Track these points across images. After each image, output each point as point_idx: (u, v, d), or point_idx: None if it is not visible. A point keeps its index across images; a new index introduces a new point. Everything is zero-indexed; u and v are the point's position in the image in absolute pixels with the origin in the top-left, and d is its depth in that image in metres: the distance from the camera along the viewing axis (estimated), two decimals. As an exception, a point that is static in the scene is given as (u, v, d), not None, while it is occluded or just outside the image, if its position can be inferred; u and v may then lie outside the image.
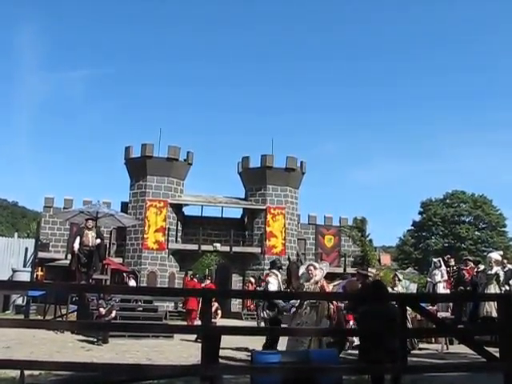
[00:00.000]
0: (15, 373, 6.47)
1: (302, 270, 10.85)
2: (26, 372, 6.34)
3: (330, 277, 25.52)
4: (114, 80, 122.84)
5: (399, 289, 13.20)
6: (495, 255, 13.67)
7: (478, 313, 12.56)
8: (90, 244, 15.28)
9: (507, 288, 12.79)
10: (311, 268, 10.30)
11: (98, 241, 15.50)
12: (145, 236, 30.33)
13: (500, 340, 5.87)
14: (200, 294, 9.21)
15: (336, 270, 31.76)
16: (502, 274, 12.84)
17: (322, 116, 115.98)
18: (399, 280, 13.77)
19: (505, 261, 13.53)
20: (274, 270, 11.34)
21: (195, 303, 17.50)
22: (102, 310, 13.14)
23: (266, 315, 10.81)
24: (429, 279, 16.15)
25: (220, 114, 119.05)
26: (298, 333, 8.97)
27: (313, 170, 76.39)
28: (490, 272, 12.91)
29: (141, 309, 15.90)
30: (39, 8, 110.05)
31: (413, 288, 32.42)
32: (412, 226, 56.32)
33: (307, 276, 10.19)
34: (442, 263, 15.68)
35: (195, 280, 21.28)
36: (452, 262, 15.73)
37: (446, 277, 15.29)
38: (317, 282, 10.21)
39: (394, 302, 7.01)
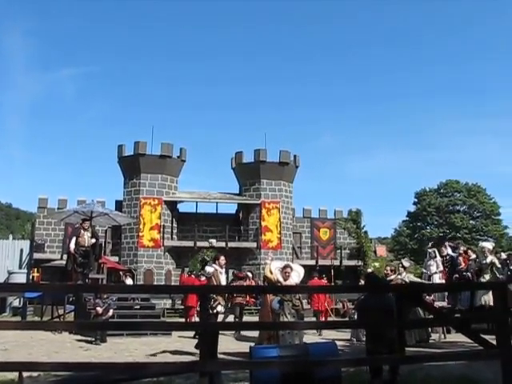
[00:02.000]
0: (14, 375, 6.46)
1: (273, 265, 10.51)
2: (25, 373, 6.34)
3: (326, 270, 25.59)
4: (104, 78, 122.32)
5: (404, 276, 12.63)
6: (488, 244, 13.69)
7: (473, 302, 12.59)
8: (86, 244, 15.31)
9: (502, 277, 12.86)
10: (288, 270, 10.08)
11: (93, 240, 15.53)
12: (140, 234, 30.29)
13: (496, 328, 5.90)
14: (198, 291, 9.19)
15: (333, 262, 31.94)
16: (497, 262, 12.90)
17: (314, 109, 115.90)
18: (404, 267, 13.36)
19: (499, 250, 13.59)
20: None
21: (194, 300, 17.49)
22: (99, 309, 13.13)
23: None
24: (424, 270, 16.12)
25: (212, 111, 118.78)
26: (297, 327, 8.96)
27: (307, 164, 76.56)
28: (484, 261, 12.94)
29: (138, 307, 15.92)
30: (27, 8, 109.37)
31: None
32: (407, 216, 56.44)
33: (284, 276, 9.99)
34: (437, 253, 15.67)
35: (193, 276, 21.23)
36: (444, 252, 15.64)
37: (441, 267, 15.28)
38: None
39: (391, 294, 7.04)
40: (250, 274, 28.18)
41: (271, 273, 10.16)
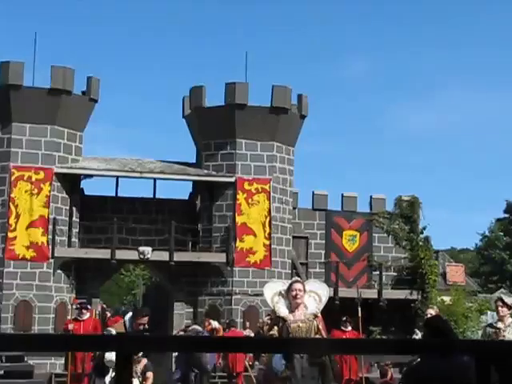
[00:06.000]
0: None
1: (267, 291, 10.56)
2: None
3: (352, 307, 25.72)
4: None
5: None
6: None
7: None
8: None
9: None
10: (297, 287, 10.12)
11: None
12: (9, 235, 30.09)
13: None
14: (112, 345, 9.08)
15: (366, 292, 31.73)
16: None
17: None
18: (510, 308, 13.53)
19: None
20: None
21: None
22: None
23: None
24: None
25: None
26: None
27: (321, 114, 76.34)
28: None
29: (2, 372, 15.88)
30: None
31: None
32: (505, 211, 56.59)
33: (292, 302, 9.98)
34: None
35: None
36: None
37: None
38: (315, 317, 10.06)
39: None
40: (216, 324, 28.15)
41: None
